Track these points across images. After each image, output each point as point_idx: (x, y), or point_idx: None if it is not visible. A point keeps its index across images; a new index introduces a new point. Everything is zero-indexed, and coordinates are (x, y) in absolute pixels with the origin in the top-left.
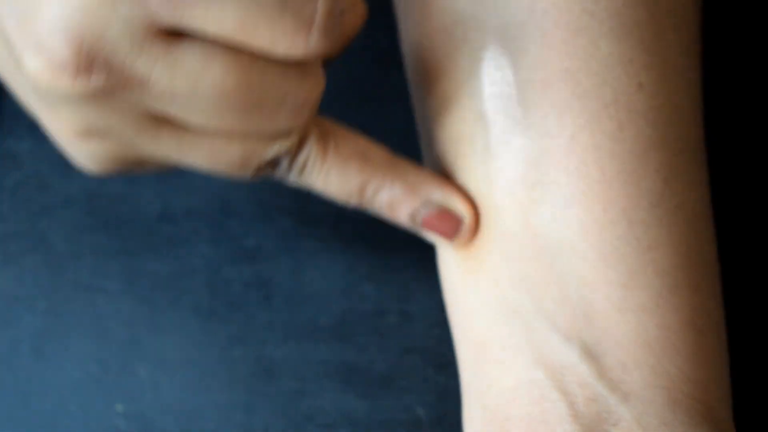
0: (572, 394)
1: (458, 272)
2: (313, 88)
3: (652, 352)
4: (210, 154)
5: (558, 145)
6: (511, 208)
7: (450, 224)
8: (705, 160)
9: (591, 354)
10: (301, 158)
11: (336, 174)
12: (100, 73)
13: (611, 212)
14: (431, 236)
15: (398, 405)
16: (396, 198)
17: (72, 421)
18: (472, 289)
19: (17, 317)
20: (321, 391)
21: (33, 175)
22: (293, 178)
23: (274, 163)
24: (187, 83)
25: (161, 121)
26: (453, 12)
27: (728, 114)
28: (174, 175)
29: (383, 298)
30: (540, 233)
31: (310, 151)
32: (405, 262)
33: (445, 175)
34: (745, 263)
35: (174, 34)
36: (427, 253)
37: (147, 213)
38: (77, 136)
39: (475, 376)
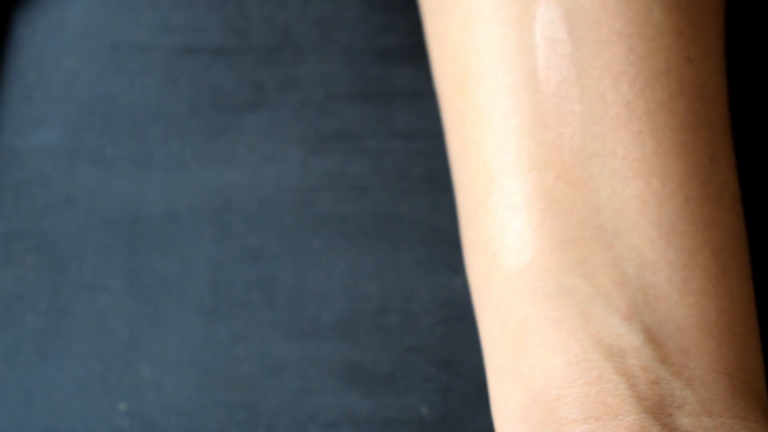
0: (634, 377)
1: (493, 261)
2: None
3: (711, 336)
4: None
5: (614, 112)
6: (566, 187)
7: None
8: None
9: (653, 338)
10: None
11: None
12: None
13: (669, 186)
14: None
15: (401, 404)
16: None
17: (74, 420)
18: (507, 276)
19: (19, 316)
20: (324, 389)
21: (35, 174)
22: None
23: None
24: None
25: None
26: None
27: (740, 107)
28: (177, 174)
29: (386, 296)
30: (601, 211)
31: None
32: (408, 261)
33: (480, 150)
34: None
35: None
36: (431, 251)
37: (150, 212)
38: None
39: (512, 357)
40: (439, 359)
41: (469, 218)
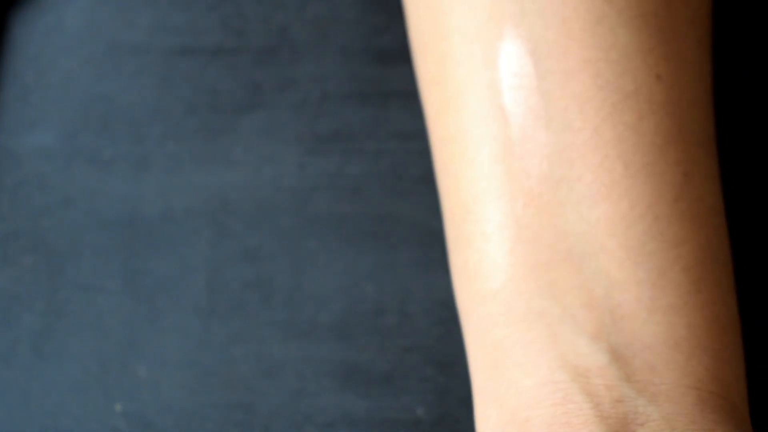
0: (598, 396)
1: (471, 286)
2: None
3: (681, 352)
4: None
5: (581, 140)
6: (535, 213)
7: None
8: (716, 154)
9: (619, 357)
10: None
11: None
12: None
13: (638, 208)
14: None
15: (398, 404)
16: None
17: (71, 421)
18: (483, 299)
19: (16, 317)
20: (321, 390)
21: (33, 174)
22: None
23: None
24: None
25: None
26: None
27: (733, 110)
28: (175, 174)
29: (383, 297)
30: (569, 236)
31: None
32: (405, 262)
33: (456, 178)
34: (754, 259)
35: None
36: (428, 252)
37: (147, 212)
38: None
39: (490, 379)
40: (436, 360)
41: (451, 244)
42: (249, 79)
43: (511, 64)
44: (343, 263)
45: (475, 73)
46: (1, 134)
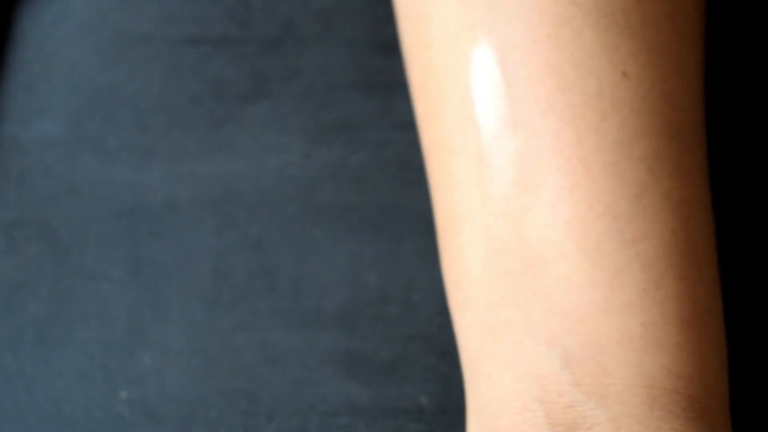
0: (550, 403)
1: (455, 297)
2: None
3: (634, 350)
4: None
5: (545, 144)
6: (503, 222)
7: None
8: (700, 145)
9: (573, 360)
10: None
11: None
12: None
13: (597, 208)
14: None
15: (401, 393)
16: None
17: (76, 408)
18: (463, 310)
19: (21, 305)
20: (324, 379)
21: (38, 163)
22: None
23: None
24: None
25: None
26: (445, 8)
27: (729, 109)
28: (179, 164)
29: (387, 286)
30: (532, 242)
31: None
32: (409, 251)
33: (439, 190)
34: (751, 257)
35: None
36: (432, 242)
37: (152, 201)
38: None
39: (470, 389)
40: (438, 349)
41: (440, 256)
42: (254, 69)
43: (483, 73)
44: (347, 252)
45: (452, 82)
46: (7, 123)
